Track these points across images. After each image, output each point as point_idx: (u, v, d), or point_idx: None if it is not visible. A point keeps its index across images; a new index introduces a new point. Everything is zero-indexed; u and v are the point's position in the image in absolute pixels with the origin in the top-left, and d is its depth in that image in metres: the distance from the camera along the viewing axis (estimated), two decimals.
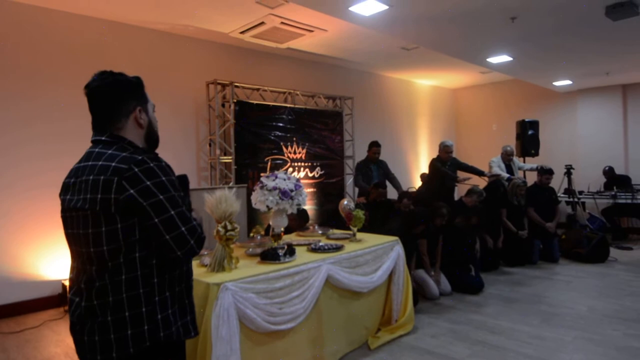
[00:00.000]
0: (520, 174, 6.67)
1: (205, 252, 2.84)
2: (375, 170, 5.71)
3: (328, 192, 6.38)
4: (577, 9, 4.06)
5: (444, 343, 3.24)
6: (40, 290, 4.25)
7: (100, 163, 1.27)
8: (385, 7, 3.78)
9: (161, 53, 5.16)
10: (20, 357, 3.23)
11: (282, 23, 4.72)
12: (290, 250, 2.78)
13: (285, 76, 6.37)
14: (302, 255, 2.91)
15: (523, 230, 5.68)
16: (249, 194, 3.97)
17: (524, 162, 6.97)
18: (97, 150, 1.33)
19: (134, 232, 1.25)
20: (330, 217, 5.57)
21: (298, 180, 2.85)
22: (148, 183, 1.24)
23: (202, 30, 5.17)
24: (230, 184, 5.05)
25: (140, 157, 1.26)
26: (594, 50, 5.58)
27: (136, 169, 1.24)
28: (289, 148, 5.92)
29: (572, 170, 6.68)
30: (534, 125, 7.03)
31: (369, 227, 3.93)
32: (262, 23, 4.74)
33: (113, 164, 1.25)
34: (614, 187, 7.20)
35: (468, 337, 3.35)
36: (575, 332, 3.39)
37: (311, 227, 3.98)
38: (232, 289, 2.27)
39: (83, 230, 1.27)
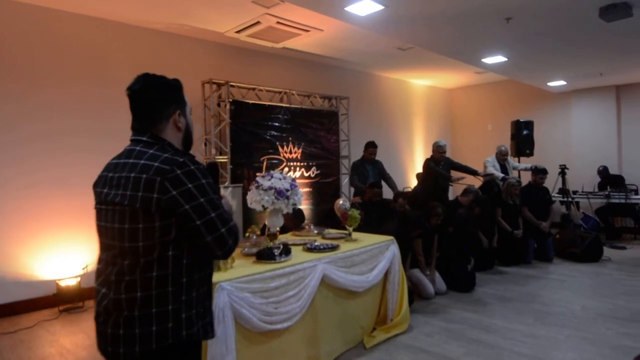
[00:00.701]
0: (514, 173, 6.71)
1: None
2: (371, 170, 5.73)
3: (324, 192, 6.39)
4: (571, 10, 4.09)
5: (439, 342, 3.26)
6: (35, 291, 4.23)
7: (142, 162, 1.30)
8: (380, 7, 3.79)
9: (157, 52, 5.14)
10: (14, 358, 3.21)
11: (278, 22, 4.72)
12: (286, 250, 2.79)
13: (281, 76, 6.37)
14: (298, 255, 2.91)
15: (518, 229, 5.72)
16: (244, 194, 3.97)
17: (519, 162, 7.01)
18: (138, 148, 1.35)
19: (171, 231, 1.27)
20: (326, 216, 5.57)
21: (294, 179, 2.85)
22: (190, 186, 1.26)
23: (198, 29, 5.16)
24: (226, 184, 5.05)
25: (182, 160, 1.29)
26: (588, 51, 5.61)
27: (178, 171, 1.26)
28: (285, 148, 5.92)
29: (566, 170, 6.72)
30: (529, 125, 7.07)
31: (365, 226, 3.94)
32: (257, 22, 4.74)
33: (156, 164, 1.27)
34: (608, 187, 7.25)
35: (463, 336, 3.36)
36: (569, 330, 3.42)
37: (307, 227, 3.99)
38: (227, 288, 2.27)
39: (119, 225, 1.29)
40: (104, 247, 1.36)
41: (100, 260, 1.37)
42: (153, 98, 1.38)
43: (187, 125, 1.48)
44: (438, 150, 5.64)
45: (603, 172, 7.52)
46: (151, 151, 1.32)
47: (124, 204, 1.27)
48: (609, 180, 7.43)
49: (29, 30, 4.26)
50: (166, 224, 1.26)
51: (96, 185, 1.43)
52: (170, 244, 1.27)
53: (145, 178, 1.25)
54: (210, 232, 1.28)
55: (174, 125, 1.42)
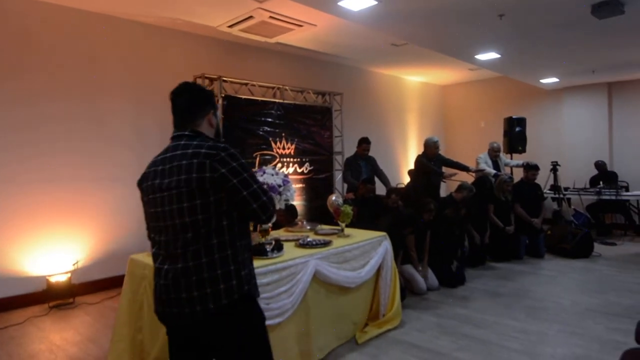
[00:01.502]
0: (507, 170, 6.74)
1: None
2: (364, 166, 5.73)
3: (317, 188, 6.38)
4: (564, 7, 4.10)
5: (431, 337, 3.27)
6: (25, 287, 4.18)
7: (190, 151, 1.54)
8: (374, 2, 3.77)
9: (148, 46, 5.09)
10: (3, 354, 3.18)
11: (271, 17, 4.68)
12: (278, 246, 2.78)
13: (275, 71, 6.33)
14: (290, 251, 2.90)
15: (510, 225, 5.75)
16: None
17: (511, 158, 7.05)
18: (182, 142, 1.60)
19: (222, 204, 1.51)
20: (319, 212, 5.57)
21: (286, 175, 2.84)
22: (234, 164, 1.52)
23: (190, 23, 5.11)
24: None
25: (222, 145, 1.56)
26: (580, 49, 5.64)
27: (223, 154, 1.52)
28: (278, 143, 5.89)
29: (557, 167, 6.76)
30: (521, 122, 7.10)
31: (357, 222, 3.94)
32: (250, 17, 4.70)
33: (203, 150, 1.52)
34: (600, 182, 7.28)
35: (454, 331, 3.38)
36: (559, 325, 3.45)
37: (300, 223, 3.98)
38: None
39: (177, 205, 1.51)
40: (160, 230, 1.57)
41: (157, 243, 1.60)
42: (193, 101, 1.68)
43: (217, 123, 1.78)
44: (434, 146, 5.63)
45: (601, 166, 7.52)
46: (195, 142, 1.58)
47: (181, 186, 1.50)
48: (604, 175, 7.45)
49: (17, 23, 4.19)
50: (218, 198, 1.50)
51: (144, 180, 1.65)
52: (223, 215, 1.52)
53: (197, 162, 1.50)
54: (255, 200, 1.54)
55: (208, 123, 1.70)
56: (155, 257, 1.60)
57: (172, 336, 1.62)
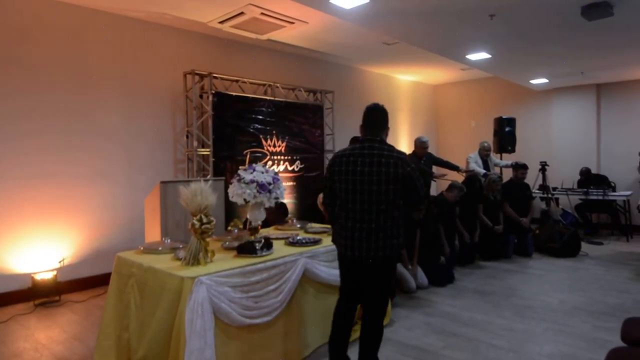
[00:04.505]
0: (496, 170, 6.77)
1: (180, 246, 2.79)
2: None
3: (307, 186, 6.36)
4: (553, 9, 4.12)
5: (419, 335, 3.28)
6: (9, 284, 4.12)
7: (385, 152, 2.38)
8: (366, 0, 3.76)
9: (137, 41, 5.03)
10: None
11: (262, 14, 4.65)
12: (268, 244, 2.76)
13: (266, 68, 6.30)
14: (280, 249, 2.89)
15: (498, 225, 5.79)
16: (226, 187, 3.91)
17: (501, 158, 7.09)
18: (376, 145, 2.42)
19: (402, 190, 2.36)
20: (310, 210, 5.55)
21: (276, 173, 2.83)
22: (413, 165, 2.39)
23: (180, 19, 5.06)
24: (208, 177, 4.98)
25: (403, 152, 2.44)
26: (569, 50, 5.68)
27: (405, 157, 2.39)
28: (269, 141, 5.87)
29: (546, 167, 6.82)
30: (511, 122, 7.14)
31: None
32: (241, 13, 4.66)
33: (394, 154, 2.38)
34: (591, 186, 7.31)
35: (443, 329, 3.40)
36: (546, 324, 3.48)
37: (290, 221, 3.96)
38: (206, 282, 2.24)
39: (377, 187, 2.33)
40: (355, 201, 2.39)
41: (349, 210, 2.42)
42: (381, 118, 2.52)
43: (387, 134, 2.59)
44: (421, 146, 5.65)
45: (585, 173, 7.58)
46: (385, 147, 2.42)
47: (381, 175, 2.32)
48: (590, 180, 7.51)
49: (5, 18, 4.11)
50: (401, 186, 2.34)
51: (334, 165, 2.50)
52: (400, 197, 2.38)
53: (393, 162, 2.33)
54: (421, 189, 2.41)
55: (385, 133, 2.51)
56: (345, 219, 2.43)
57: (348, 269, 2.53)
